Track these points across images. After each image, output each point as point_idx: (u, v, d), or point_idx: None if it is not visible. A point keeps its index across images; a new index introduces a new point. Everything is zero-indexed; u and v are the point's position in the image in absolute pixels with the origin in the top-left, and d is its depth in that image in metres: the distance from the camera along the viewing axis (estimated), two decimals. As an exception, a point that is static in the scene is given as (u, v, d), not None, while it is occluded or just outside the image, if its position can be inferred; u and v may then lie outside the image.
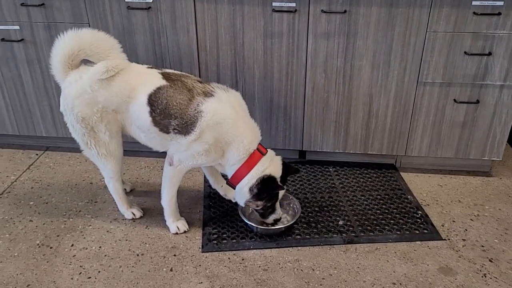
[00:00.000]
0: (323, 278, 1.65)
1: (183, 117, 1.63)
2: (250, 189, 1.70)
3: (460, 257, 1.75)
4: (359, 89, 2.07)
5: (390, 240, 1.82)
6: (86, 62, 1.72)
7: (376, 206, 2.02)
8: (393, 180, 2.20)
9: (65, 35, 1.65)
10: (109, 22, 2.07)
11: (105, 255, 1.76)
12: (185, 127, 1.63)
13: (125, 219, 1.96)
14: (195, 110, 1.62)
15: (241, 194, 1.73)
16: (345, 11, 1.91)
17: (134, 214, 1.95)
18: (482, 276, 1.66)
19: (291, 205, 1.95)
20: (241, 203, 1.77)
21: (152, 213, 2.00)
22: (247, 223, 1.87)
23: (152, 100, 1.65)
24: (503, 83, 1.97)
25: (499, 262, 1.72)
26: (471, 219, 1.95)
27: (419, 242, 1.82)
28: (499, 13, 1.83)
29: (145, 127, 1.70)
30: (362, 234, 1.86)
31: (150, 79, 1.69)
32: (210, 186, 2.13)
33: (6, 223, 1.93)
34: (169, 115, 1.64)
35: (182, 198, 2.08)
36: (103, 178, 1.92)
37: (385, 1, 1.87)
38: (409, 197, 2.08)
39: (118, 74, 1.66)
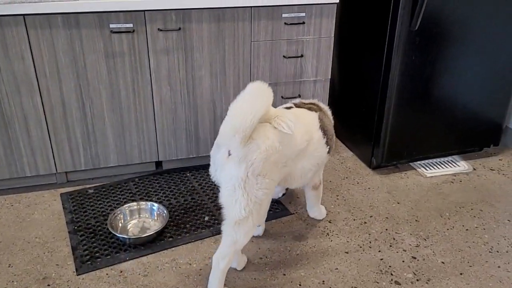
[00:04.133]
0: (200, 269, 1.82)
1: (330, 132, 1.84)
2: None
3: (307, 224, 2.09)
4: (202, 97, 2.29)
5: (251, 224, 2.08)
6: None
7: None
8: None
9: (264, 87, 1.42)
10: None
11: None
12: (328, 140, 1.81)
13: (-17, 262, 1.83)
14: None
15: None
16: (179, 29, 2.11)
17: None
18: (326, 235, 2.03)
19: (159, 213, 2.07)
20: None
21: (12, 249, 1.90)
22: (118, 237, 1.93)
23: (324, 131, 1.77)
24: (315, 78, 2.41)
25: (336, 222, 2.12)
26: (311, 193, 2.34)
27: (274, 220, 2.12)
28: (303, 22, 2.25)
29: (322, 158, 1.80)
30: (227, 224, 2.08)
31: (304, 115, 1.74)
32: (71, 212, 2.11)
33: None
34: (330, 136, 1.82)
35: (43, 229, 2.02)
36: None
37: (213, 17, 2.13)
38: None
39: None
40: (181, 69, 2.20)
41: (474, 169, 2.57)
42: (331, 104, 2.57)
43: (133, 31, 2.06)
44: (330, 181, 2.44)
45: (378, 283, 1.77)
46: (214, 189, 2.34)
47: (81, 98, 2.14)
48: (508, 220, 2.15)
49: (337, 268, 1.84)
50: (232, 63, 2.26)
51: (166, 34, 2.11)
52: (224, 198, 1.52)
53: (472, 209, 2.22)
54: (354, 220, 2.14)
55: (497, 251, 1.94)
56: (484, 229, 2.09)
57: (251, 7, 2.16)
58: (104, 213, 2.13)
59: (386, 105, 2.32)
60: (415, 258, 1.91)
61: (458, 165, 2.60)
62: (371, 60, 2.37)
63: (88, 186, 2.35)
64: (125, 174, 2.45)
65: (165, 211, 2.05)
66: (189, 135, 2.37)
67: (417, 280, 1.79)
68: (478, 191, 2.37)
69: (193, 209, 2.18)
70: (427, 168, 2.56)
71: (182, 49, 2.16)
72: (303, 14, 2.24)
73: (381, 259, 1.90)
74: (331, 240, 2.00)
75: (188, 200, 2.25)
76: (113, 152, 2.30)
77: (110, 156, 2.30)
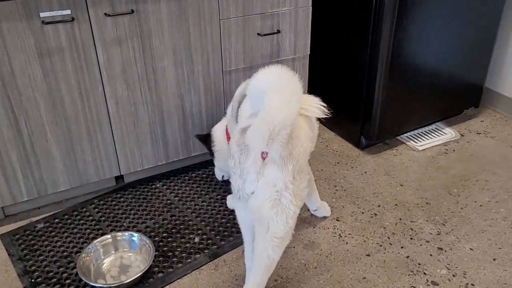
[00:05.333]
0: (209, 309, 1.48)
1: None
2: None
3: (315, 227, 1.82)
4: (167, 92, 1.89)
5: (252, 237, 1.76)
6: None
7: (221, 207, 1.92)
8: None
9: (289, 70, 1.23)
10: None
11: None
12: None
13: None
14: None
15: None
16: (132, 11, 1.67)
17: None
18: (339, 237, 1.77)
19: (142, 243, 1.67)
20: None
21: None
22: (94, 287, 1.52)
23: None
24: (294, 56, 2.09)
25: (344, 219, 1.86)
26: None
27: (276, 228, 1.82)
28: (279, -9, 1.90)
29: (314, 142, 1.54)
30: (223, 242, 1.74)
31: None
32: (21, 258, 1.65)
33: None
34: None
35: (-9, 289, 1.55)
36: None
37: (172, -7, 1.71)
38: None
39: None
40: (138, 62, 1.77)
41: (462, 135, 2.43)
42: (310, 83, 2.28)
43: (72, 19, 1.59)
44: (322, 170, 2.17)
45: (415, 287, 1.55)
46: (194, 199, 1.97)
47: (11, 112, 1.64)
48: (516, 188, 2.03)
49: (365, 278, 1.60)
50: (200, 47, 1.86)
51: (115, 19, 1.66)
52: (265, 211, 1.23)
53: (477, 181, 2.08)
54: (363, 213, 1.90)
55: (519, 226, 1.81)
56: (497, 202, 1.95)
57: (217, -23, 1.76)
58: (66, 254, 1.69)
59: (377, 78, 2.07)
60: (441, 249, 1.71)
61: (445, 133, 2.45)
62: (357, 29, 2.09)
63: (34, 219, 1.88)
64: (78, 196, 2.00)
65: (147, 241, 1.66)
66: (156, 139, 1.96)
67: (453, 276, 1.60)
68: (476, 159, 2.23)
69: (177, 230, 1.81)
70: (416, 141, 2.38)
71: (138, 37, 1.73)
72: (274, -19, 1.89)
73: (407, 257, 1.68)
74: (347, 243, 1.74)
75: (168, 218, 1.87)
76: (63, 174, 1.84)
77: (59, 178, 1.84)
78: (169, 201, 1.96)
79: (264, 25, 1.95)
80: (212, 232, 1.79)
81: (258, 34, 1.95)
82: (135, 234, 1.69)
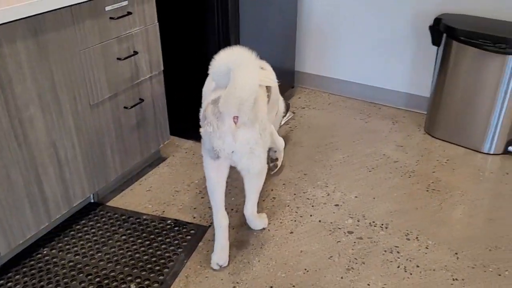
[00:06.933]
0: None
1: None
2: None
3: (244, 228, 1.90)
4: (39, 143, 1.63)
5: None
6: None
7: (139, 240, 1.80)
8: (109, 217, 1.97)
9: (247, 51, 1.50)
10: None
11: None
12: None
13: None
14: None
15: None
16: (-14, 58, 1.38)
17: None
18: (262, 229, 1.90)
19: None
20: None
21: None
22: None
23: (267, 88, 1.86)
24: (151, 74, 2.07)
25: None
26: (202, 197, 2.10)
27: (189, 236, 1.83)
28: (129, 13, 1.85)
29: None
30: (162, 276, 1.66)
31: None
32: None
33: None
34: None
35: None
36: None
37: (29, 30, 1.48)
38: (138, 218, 1.96)
39: None
40: (2, 117, 1.48)
41: (293, 112, 2.84)
42: (167, 99, 2.29)
43: None
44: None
45: (339, 241, 1.83)
46: (94, 257, 1.78)
47: None
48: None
49: (302, 251, 1.78)
50: (64, 85, 1.67)
51: (-33, 71, 1.35)
52: (244, 161, 1.56)
53: (326, 145, 2.50)
54: (264, 200, 2.07)
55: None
56: (349, 156, 2.40)
57: (70, 6, 1.60)
58: None
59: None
60: (337, 205, 2.04)
61: (280, 114, 2.81)
62: (206, 35, 2.20)
63: None
64: None
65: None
66: (34, 201, 1.68)
67: (358, 221, 1.95)
68: (315, 129, 2.66)
69: None
70: (264, 127, 2.66)
71: (-4, 87, 1.44)
72: (126, 3, 1.83)
73: (320, 221, 1.95)
74: (269, 230, 1.90)
75: (85, 281, 1.65)
76: None
77: None
78: (71, 263, 1.72)
79: (121, 48, 1.87)
80: (144, 272, 1.67)
81: (118, 58, 1.86)
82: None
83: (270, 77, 1.87)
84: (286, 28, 2.74)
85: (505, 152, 2.42)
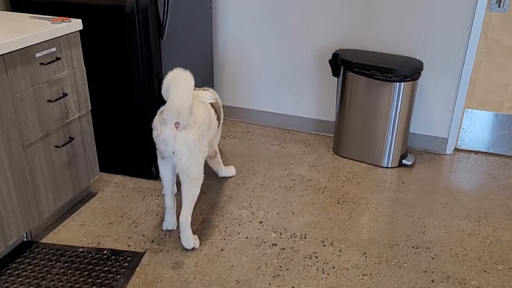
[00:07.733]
0: None
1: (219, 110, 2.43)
2: None
3: (182, 251, 2.06)
4: (-26, 186, 1.69)
5: None
6: None
7: (85, 271, 1.88)
8: (45, 253, 2.02)
9: (185, 72, 1.88)
10: None
11: None
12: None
13: None
14: None
15: None
16: None
17: None
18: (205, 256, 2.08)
19: None
20: None
21: None
22: None
23: (215, 108, 2.28)
24: (79, 114, 2.19)
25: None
26: (135, 226, 2.23)
27: (126, 263, 1.96)
28: (58, 58, 1.98)
29: (215, 130, 2.32)
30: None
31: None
32: None
33: None
34: (219, 113, 2.40)
35: None
36: None
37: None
38: (74, 251, 2.04)
39: None
40: None
41: (216, 142, 3.05)
42: (95, 137, 2.40)
43: None
44: (160, 205, 2.36)
45: (265, 253, 2.05)
46: (39, 281, 1.84)
47: None
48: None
49: (232, 265, 1.98)
50: (0, 132, 1.76)
51: None
52: (183, 162, 1.89)
53: (247, 170, 2.74)
54: (194, 224, 2.24)
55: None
56: (268, 178, 2.66)
57: (3, 54, 1.72)
58: None
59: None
60: (261, 222, 2.27)
61: (204, 145, 3.02)
62: (129, 75, 2.37)
63: None
64: None
65: None
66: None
67: (280, 234, 2.19)
68: (236, 156, 2.90)
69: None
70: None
71: None
72: (54, 49, 1.96)
73: (246, 237, 2.16)
74: (205, 254, 2.07)
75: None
76: None
77: None
78: (12, 300, 1.76)
79: (52, 91, 1.98)
80: (87, 300, 1.76)
81: (49, 101, 1.97)
82: None
83: (208, 96, 2.23)
84: (204, 60, 2.97)
85: (400, 165, 2.83)
